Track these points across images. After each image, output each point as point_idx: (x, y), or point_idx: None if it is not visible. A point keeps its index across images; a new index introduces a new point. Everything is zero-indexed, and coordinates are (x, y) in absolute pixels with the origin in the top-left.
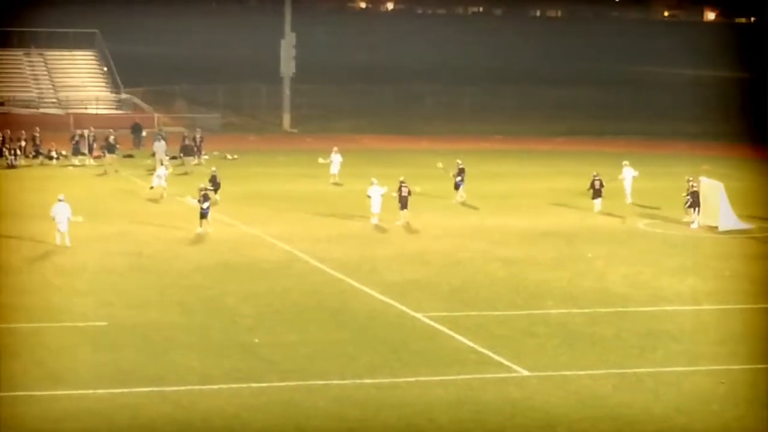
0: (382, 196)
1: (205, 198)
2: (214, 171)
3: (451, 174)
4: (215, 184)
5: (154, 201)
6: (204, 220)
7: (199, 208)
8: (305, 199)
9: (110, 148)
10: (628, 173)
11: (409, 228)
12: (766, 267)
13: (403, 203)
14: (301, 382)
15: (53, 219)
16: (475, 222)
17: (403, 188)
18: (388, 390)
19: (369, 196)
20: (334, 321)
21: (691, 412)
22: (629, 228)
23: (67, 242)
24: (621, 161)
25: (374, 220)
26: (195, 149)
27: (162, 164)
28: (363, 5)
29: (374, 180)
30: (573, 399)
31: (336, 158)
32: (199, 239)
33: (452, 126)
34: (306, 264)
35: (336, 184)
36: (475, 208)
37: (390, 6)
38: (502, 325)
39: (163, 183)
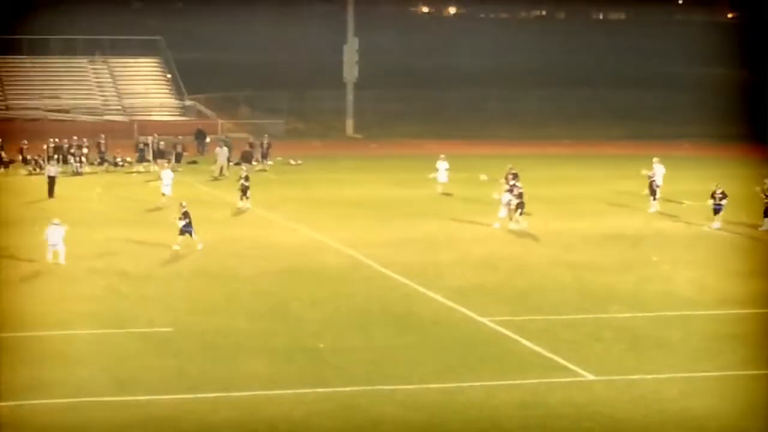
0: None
1: (185, 216)
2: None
3: (501, 181)
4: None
5: (220, 207)
6: (181, 237)
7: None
8: (369, 203)
9: (177, 156)
10: (659, 170)
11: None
12: None
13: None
14: (367, 387)
15: (46, 241)
16: (541, 226)
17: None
18: (453, 394)
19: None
20: (399, 326)
21: (760, 417)
22: (695, 231)
23: (61, 260)
24: (685, 164)
25: (498, 225)
26: (260, 154)
27: (221, 171)
28: (425, 9)
29: (503, 180)
30: (639, 403)
31: (442, 165)
32: (264, 245)
33: (515, 130)
34: (370, 269)
35: (445, 194)
36: (537, 212)
37: (452, 10)
38: (567, 330)
39: (169, 191)
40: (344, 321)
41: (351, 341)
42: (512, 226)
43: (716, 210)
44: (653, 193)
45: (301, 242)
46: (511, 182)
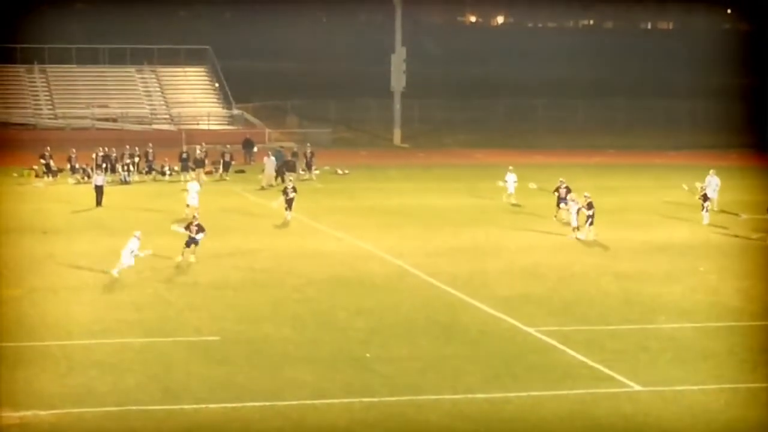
0: (577, 212)
1: (199, 229)
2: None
3: (553, 191)
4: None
5: (267, 216)
6: (187, 249)
7: (188, 236)
8: (415, 213)
9: (225, 165)
10: (713, 182)
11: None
12: None
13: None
14: (413, 397)
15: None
16: (588, 236)
17: (561, 189)
18: (500, 404)
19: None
20: (445, 335)
21: None
22: (742, 241)
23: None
24: (736, 175)
25: (573, 236)
26: (305, 164)
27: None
28: (473, 19)
29: (572, 195)
30: (686, 414)
31: (511, 177)
32: (310, 253)
33: (564, 140)
34: (416, 278)
35: (515, 204)
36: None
37: (500, 20)
38: (614, 340)
39: (195, 202)
40: (390, 330)
41: (397, 350)
42: (580, 236)
43: None
44: (703, 203)
45: (347, 251)
46: (584, 196)
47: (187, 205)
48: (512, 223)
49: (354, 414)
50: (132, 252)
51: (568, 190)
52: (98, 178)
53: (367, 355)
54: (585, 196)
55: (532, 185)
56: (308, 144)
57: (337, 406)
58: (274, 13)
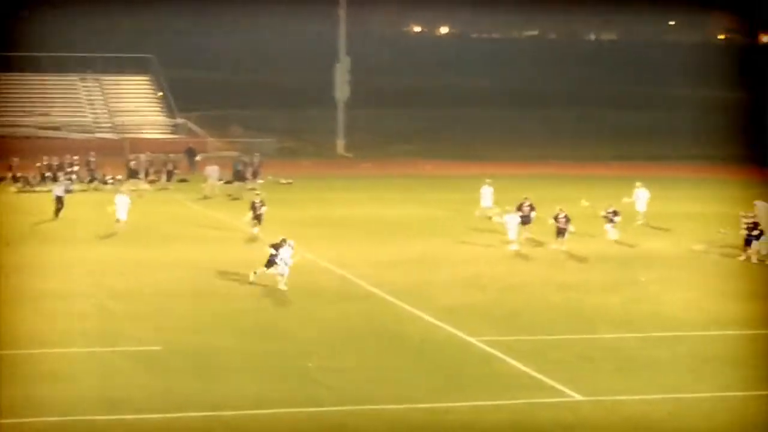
0: (518, 224)
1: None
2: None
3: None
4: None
5: (211, 226)
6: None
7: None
8: (360, 223)
9: (168, 174)
10: (641, 194)
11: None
12: None
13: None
14: (356, 407)
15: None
16: (530, 246)
17: (524, 207)
18: (442, 414)
19: (503, 222)
20: (389, 346)
21: None
22: (684, 252)
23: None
24: (677, 185)
25: (512, 247)
26: (250, 173)
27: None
28: (418, 29)
29: (508, 207)
30: (627, 424)
31: (487, 191)
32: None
33: (506, 150)
34: (361, 289)
35: (489, 217)
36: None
37: (445, 30)
38: (556, 350)
39: (124, 216)
40: (334, 341)
41: (341, 361)
42: (554, 246)
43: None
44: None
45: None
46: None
47: (117, 220)
48: (456, 234)
49: (297, 424)
50: (283, 260)
51: (532, 208)
52: (58, 188)
53: (311, 365)
54: (560, 210)
55: (584, 203)
56: (256, 153)
57: (281, 416)
58: (219, 23)
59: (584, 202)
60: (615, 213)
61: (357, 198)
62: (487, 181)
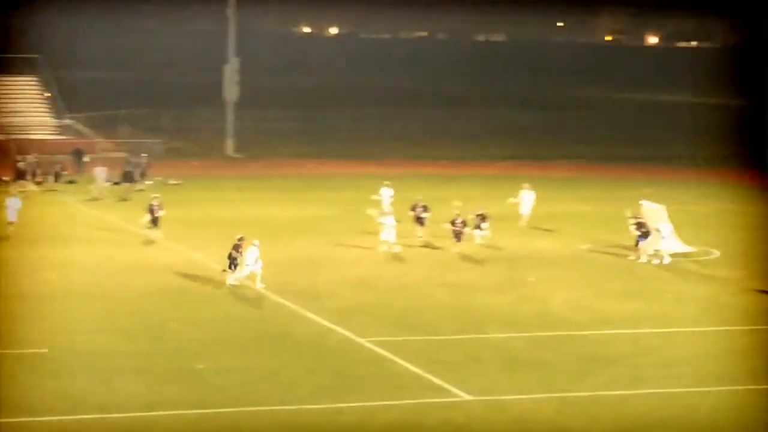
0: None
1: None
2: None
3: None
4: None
5: (100, 228)
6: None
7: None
8: (249, 224)
9: (56, 175)
10: (527, 196)
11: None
12: (707, 290)
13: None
14: (246, 408)
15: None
16: (420, 247)
17: (417, 208)
18: (331, 415)
19: (381, 223)
20: (278, 347)
21: None
22: (571, 252)
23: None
24: (566, 185)
25: (382, 248)
26: (139, 174)
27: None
28: (307, 30)
29: (386, 210)
30: (515, 423)
31: (386, 192)
32: (142, 265)
33: (397, 150)
34: (250, 289)
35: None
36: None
37: (334, 30)
38: (445, 350)
39: (14, 218)
40: (222, 342)
41: (229, 362)
42: (395, 249)
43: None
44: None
45: (180, 262)
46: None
47: (10, 223)
48: (345, 235)
49: (186, 426)
50: (256, 260)
51: (425, 209)
52: None
53: (200, 366)
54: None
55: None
56: (143, 154)
57: (169, 418)
58: (108, 23)
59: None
60: (483, 218)
61: (246, 198)
62: (386, 183)
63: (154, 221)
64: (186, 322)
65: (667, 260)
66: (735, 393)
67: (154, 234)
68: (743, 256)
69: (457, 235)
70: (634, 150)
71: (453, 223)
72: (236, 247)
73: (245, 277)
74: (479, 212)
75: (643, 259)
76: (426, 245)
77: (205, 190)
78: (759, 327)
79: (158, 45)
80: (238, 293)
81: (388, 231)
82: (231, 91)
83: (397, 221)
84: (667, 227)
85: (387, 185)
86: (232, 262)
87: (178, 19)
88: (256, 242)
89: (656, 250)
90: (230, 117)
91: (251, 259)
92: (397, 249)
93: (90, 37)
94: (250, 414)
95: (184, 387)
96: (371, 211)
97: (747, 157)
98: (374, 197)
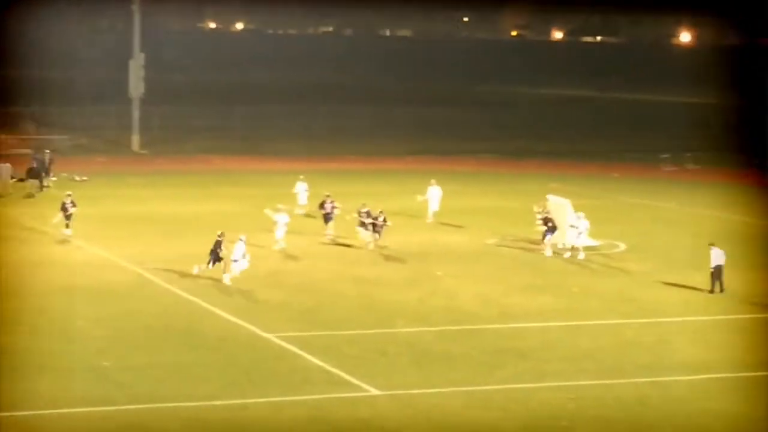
0: (286, 224)
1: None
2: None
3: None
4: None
5: (5, 225)
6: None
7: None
8: (156, 220)
9: None
10: (435, 192)
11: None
12: (613, 283)
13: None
14: (151, 405)
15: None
16: (327, 242)
17: (326, 205)
18: (238, 411)
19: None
20: (185, 343)
21: (540, 429)
22: (479, 247)
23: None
24: (472, 180)
25: (278, 246)
26: (43, 171)
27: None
28: (213, 25)
29: (280, 206)
30: (422, 417)
31: (302, 186)
32: (49, 262)
33: (306, 146)
34: (156, 286)
35: (308, 215)
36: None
37: (240, 26)
38: (352, 345)
39: None
40: (129, 339)
41: (135, 359)
42: (280, 245)
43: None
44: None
45: (86, 259)
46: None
47: None
48: (251, 231)
49: (92, 423)
50: (244, 254)
51: (334, 206)
52: None
53: (105, 363)
54: (380, 212)
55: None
56: (47, 151)
57: (75, 415)
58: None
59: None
60: (368, 215)
61: (152, 195)
62: (301, 177)
63: (67, 218)
64: (92, 319)
65: (581, 256)
66: (637, 385)
67: (67, 232)
68: (648, 250)
69: (371, 229)
70: (540, 145)
71: (375, 219)
72: (218, 243)
73: (239, 273)
74: (364, 209)
75: (548, 252)
76: (334, 241)
77: (112, 187)
78: (664, 319)
79: (63, 41)
80: (145, 290)
81: (281, 229)
82: (137, 87)
83: (311, 216)
84: (584, 223)
85: (302, 179)
86: (215, 258)
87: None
88: (243, 237)
89: (573, 246)
90: (136, 113)
91: (239, 254)
92: (282, 245)
93: None
94: (157, 411)
95: (90, 384)
96: (268, 210)
97: (649, 152)
98: (292, 191)
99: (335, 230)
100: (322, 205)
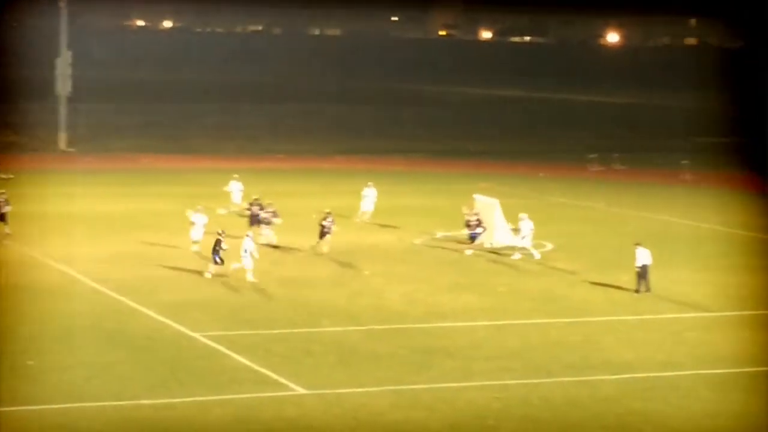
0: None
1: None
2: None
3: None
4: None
5: None
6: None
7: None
8: (83, 218)
9: None
10: (370, 193)
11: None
12: (539, 283)
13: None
14: (77, 404)
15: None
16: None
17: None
18: (165, 410)
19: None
20: (111, 342)
21: (467, 428)
22: (406, 246)
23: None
24: (399, 179)
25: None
26: None
27: None
28: (141, 23)
29: (200, 207)
30: (349, 417)
31: (236, 186)
32: None
33: (234, 144)
34: (83, 285)
35: (240, 215)
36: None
37: (168, 24)
38: (279, 344)
39: None
40: (54, 338)
41: (61, 358)
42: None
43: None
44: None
45: (11, 258)
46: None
47: None
48: (179, 230)
49: (16, 423)
50: (247, 251)
51: (261, 207)
52: None
53: (30, 363)
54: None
55: (222, 211)
56: None
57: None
58: None
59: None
60: (275, 214)
61: (80, 193)
62: (235, 176)
63: (2, 217)
64: (16, 318)
65: (537, 256)
66: (564, 384)
67: (6, 230)
68: (575, 249)
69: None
70: (469, 144)
71: (323, 222)
72: (218, 242)
73: (252, 267)
74: (270, 209)
75: (468, 252)
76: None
77: (38, 185)
78: (590, 319)
79: None
80: (71, 289)
81: (197, 229)
82: (64, 84)
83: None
84: (528, 224)
85: (236, 178)
86: (218, 257)
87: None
88: (250, 233)
89: (523, 248)
90: (63, 111)
91: (252, 247)
92: (197, 248)
93: None
94: (83, 410)
95: (14, 383)
96: (189, 212)
97: (577, 152)
98: (225, 189)
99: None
100: (249, 207)
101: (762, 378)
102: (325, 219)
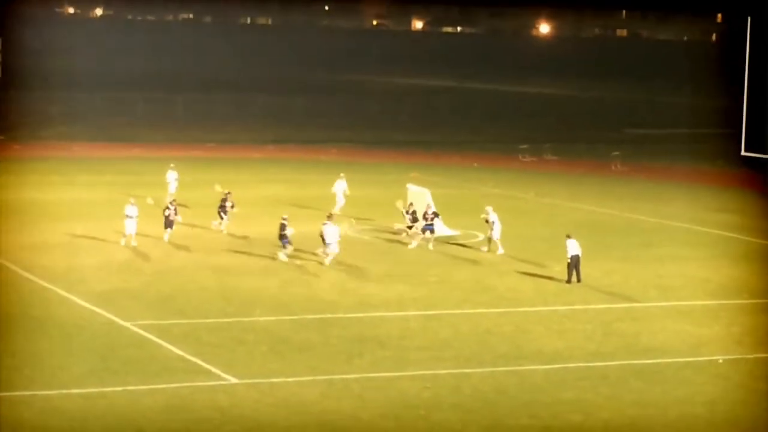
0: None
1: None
2: None
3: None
4: None
5: None
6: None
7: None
8: (12, 206)
9: None
10: (340, 185)
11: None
12: (470, 273)
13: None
14: (5, 394)
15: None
16: (185, 230)
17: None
18: (95, 399)
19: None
20: (40, 330)
21: (398, 417)
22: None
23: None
24: (332, 169)
25: (131, 242)
26: None
27: None
28: (71, 10)
29: (132, 200)
30: (281, 406)
31: (172, 176)
32: None
33: (165, 133)
34: (11, 273)
35: (180, 204)
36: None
37: (99, 12)
38: (211, 333)
39: None
40: None
41: None
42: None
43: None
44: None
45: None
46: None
47: None
48: (110, 218)
49: None
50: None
51: (228, 197)
52: None
53: None
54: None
55: (150, 201)
56: None
57: None
58: None
59: (217, 187)
60: (231, 206)
61: (9, 181)
62: (171, 165)
63: None
64: None
65: (501, 251)
66: (495, 374)
67: None
68: (506, 240)
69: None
70: (400, 134)
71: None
72: (282, 226)
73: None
74: (228, 202)
75: (413, 245)
76: (193, 228)
77: None
78: (521, 309)
79: None
80: (2, 278)
81: (131, 223)
82: None
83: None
84: (494, 216)
85: (172, 168)
86: (286, 241)
87: None
88: (328, 221)
89: (491, 239)
90: None
91: (333, 237)
92: (134, 243)
93: None
94: (11, 399)
95: None
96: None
97: (508, 142)
98: (164, 180)
99: (189, 218)
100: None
101: (689, 368)
102: (225, 199)
